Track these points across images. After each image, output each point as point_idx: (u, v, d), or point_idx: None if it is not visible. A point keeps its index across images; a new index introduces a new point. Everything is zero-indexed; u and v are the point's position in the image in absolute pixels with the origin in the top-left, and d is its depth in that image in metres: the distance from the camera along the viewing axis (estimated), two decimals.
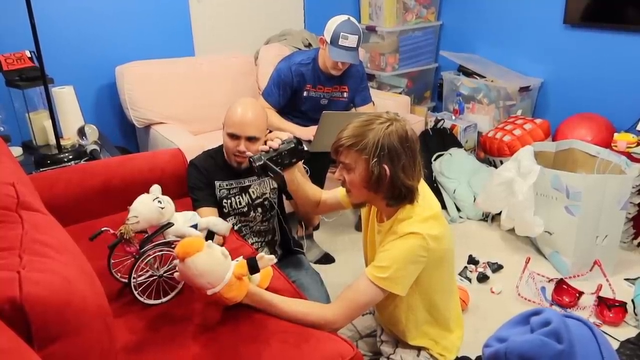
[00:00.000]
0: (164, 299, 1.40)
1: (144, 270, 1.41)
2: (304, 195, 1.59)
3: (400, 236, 1.29)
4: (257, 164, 1.45)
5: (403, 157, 1.28)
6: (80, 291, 0.94)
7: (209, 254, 1.20)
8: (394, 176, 1.28)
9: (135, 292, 1.36)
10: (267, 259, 1.29)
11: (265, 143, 1.55)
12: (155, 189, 1.46)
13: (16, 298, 0.80)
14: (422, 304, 1.43)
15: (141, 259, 1.35)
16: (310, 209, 1.66)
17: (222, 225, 1.46)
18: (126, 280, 1.37)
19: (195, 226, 1.44)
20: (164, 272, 1.41)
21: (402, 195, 1.31)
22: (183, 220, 1.43)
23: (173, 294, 1.42)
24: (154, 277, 1.41)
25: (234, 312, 1.32)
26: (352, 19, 2.41)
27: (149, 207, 1.37)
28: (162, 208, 1.37)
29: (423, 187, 1.40)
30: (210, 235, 1.48)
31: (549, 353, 0.77)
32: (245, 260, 1.26)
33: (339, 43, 2.35)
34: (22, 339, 0.79)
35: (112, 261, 1.46)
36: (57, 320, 0.85)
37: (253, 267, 1.26)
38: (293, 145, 1.50)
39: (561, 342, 0.77)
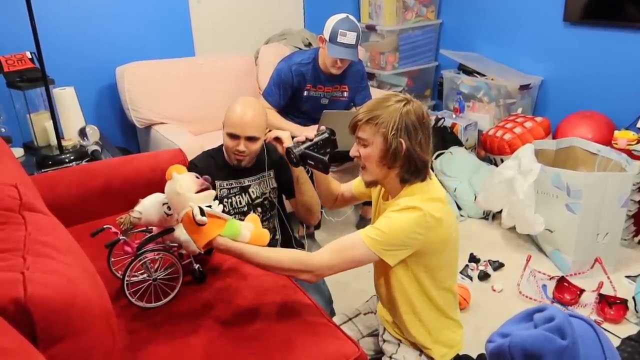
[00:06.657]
0: (157, 303, 1.40)
1: (140, 272, 1.41)
2: (328, 187, 1.64)
3: (401, 208, 1.30)
4: (296, 154, 1.51)
5: (420, 133, 1.32)
6: (84, 292, 0.94)
7: (189, 175, 1.28)
8: (411, 150, 1.31)
9: (127, 292, 1.35)
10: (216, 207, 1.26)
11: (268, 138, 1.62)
12: None
13: (21, 299, 0.81)
14: (427, 292, 1.42)
15: (137, 259, 1.36)
16: (330, 203, 1.70)
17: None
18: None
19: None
20: (159, 276, 1.41)
21: (418, 170, 1.34)
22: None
23: (168, 298, 1.42)
24: (149, 281, 1.41)
25: (237, 309, 1.32)
26: (350, 16, 2.41)
27: (157, 209, 1.37)
28: (168, 216, 1.38)
29: (433, 177, 1.42)
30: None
31: (552, 348, 0.77)
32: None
33: (337, 40, 2.35)
34: (27, 339, 0.79)
35: (112, 259, 1.46)
36: (61, 321, 0.86)
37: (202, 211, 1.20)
38: (327, 135, 1.58)
39: (565, 337, 0.77)
